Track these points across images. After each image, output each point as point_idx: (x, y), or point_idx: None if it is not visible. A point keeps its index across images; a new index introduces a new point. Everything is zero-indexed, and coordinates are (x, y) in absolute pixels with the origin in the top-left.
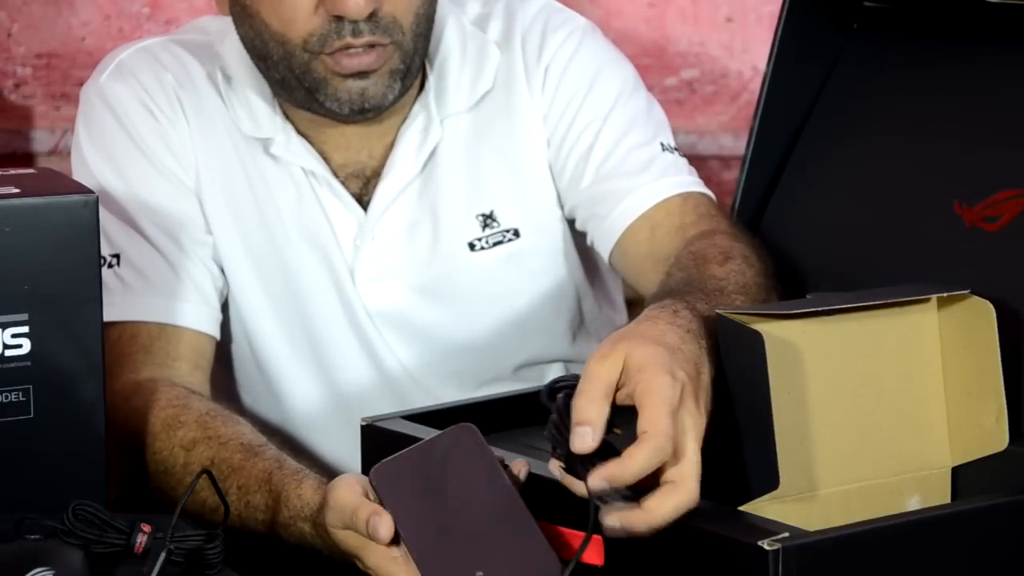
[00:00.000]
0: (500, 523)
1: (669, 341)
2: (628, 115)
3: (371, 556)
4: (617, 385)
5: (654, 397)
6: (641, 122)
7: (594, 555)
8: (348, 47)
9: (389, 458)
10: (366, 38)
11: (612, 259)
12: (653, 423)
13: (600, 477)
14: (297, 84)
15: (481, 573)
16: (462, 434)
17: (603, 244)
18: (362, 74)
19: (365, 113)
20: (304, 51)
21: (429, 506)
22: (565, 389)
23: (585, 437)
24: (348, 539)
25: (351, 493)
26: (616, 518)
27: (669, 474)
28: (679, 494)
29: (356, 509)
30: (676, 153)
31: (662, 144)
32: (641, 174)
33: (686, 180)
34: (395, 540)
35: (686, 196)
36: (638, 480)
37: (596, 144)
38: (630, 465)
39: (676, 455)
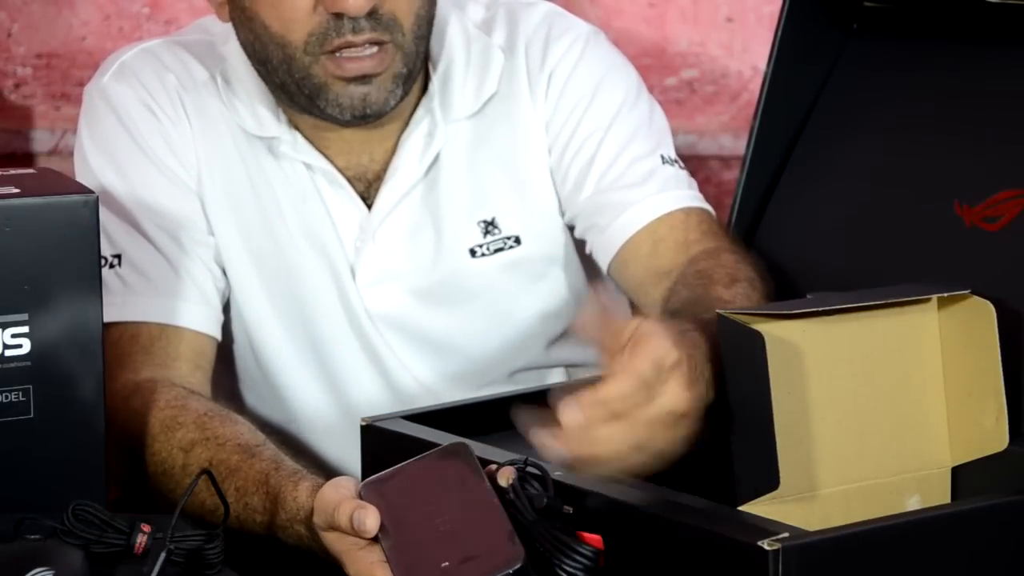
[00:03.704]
0: (473, 521)
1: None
2: (631, 125)
3: (354, 563)
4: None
5: (645, 346)
6: (643, 132)
7: None
8: (348, 45)
9: (379, 474)
10: (367, 35)
11: (611, 270)
12: (634, 364)
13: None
14: (297, 90)
15: (447, 563)
16: (453, 450)
17: (602, 255)
18: (364, 79)
19: (366, 119)
20: (305, 54)
21: (410, 511)
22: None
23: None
24: (333, 543)
25: (335, 492)
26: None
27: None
28: (627, 425)
29: (339, 505)
30: (676, 165)
31: (662, 157)
32: (642, 186)
33: (687, 194)
34: (377, 542)
35: (688, 211)
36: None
37: (598, 154)
38: (604, 389)
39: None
